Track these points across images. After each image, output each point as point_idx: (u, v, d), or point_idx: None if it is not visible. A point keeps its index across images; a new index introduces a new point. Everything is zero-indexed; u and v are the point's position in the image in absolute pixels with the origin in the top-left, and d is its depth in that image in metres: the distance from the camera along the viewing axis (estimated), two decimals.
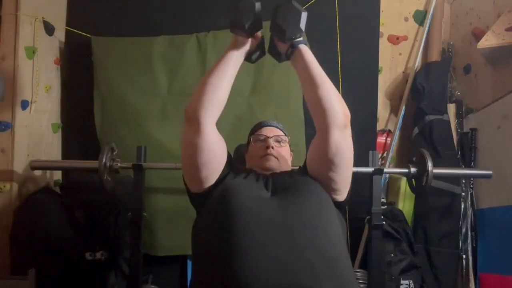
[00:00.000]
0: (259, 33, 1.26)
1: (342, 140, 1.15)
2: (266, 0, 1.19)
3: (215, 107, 1.16)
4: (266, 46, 1.30)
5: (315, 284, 0.97)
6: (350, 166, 1.23)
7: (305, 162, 1.29)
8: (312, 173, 1.24)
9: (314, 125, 1.20)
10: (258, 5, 1.15)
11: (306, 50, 1.21)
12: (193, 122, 1.14)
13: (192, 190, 1.24)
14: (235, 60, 1.22)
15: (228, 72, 1.20)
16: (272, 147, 1.35)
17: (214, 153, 1.18)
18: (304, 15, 1.14)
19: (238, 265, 0.99)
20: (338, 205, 1.23)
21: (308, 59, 1.19)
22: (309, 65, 1.19)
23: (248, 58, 1.29)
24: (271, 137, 1.38)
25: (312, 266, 1.00)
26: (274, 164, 1.33)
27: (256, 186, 1.19)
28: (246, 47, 1.24)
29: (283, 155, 1.38)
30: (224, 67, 1.19)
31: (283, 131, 1.45)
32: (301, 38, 1.21)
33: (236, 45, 1.22)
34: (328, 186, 1.21)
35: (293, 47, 1.21)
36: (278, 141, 1.39)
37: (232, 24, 1.17)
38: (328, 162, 1.18)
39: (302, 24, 1.14)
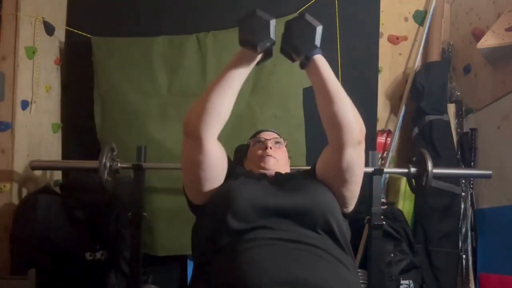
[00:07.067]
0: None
1: (355, 158, 1.11)
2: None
3: (217, 123, 1.09)
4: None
5: (321, 279, 0.97)
6: (360, 182, 1.20)
7: (313, 167, 1.27)
8: (322, 182, 1.22)
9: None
10: (273, 22, 1.02)
11: (321, 61, 1.09)
12: (194, 139, 1.08)
13: (194, 202, 1.22)
14: (241, 73, 1.11)
15: (233, 87, 1.10)
16: (271, 148, 1.38)
17: (217, 168, 1.16)
18: (319, 30, 1.02)
19: (241, 261, 0.99)
20: (343, 215, 1.22)
21: (323, 72, 1.08)
22: (325, 78, 1.08)
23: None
24: (269, 139, 1.41)
25: (318, 262, 1.01)
26: (272, 164, 1.35)
27: (258, 184, 1.20)
28: (255, 60, 1.11)
29: (281, 156, 1.40)
30: (229, 81, 1.09)
31: (281, 137, 1.48)
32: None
33: (243, 58, 1.10)
34: (337, 198, 1.19)
35: (307, 58, 1.08)
36: (276, 143, 1.42)
37: (242, 41, 1.04)
38: (337, 177, 1.16)
39: (318, 40, 1.03)
